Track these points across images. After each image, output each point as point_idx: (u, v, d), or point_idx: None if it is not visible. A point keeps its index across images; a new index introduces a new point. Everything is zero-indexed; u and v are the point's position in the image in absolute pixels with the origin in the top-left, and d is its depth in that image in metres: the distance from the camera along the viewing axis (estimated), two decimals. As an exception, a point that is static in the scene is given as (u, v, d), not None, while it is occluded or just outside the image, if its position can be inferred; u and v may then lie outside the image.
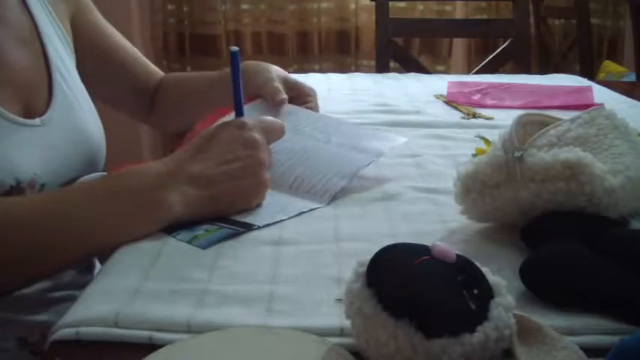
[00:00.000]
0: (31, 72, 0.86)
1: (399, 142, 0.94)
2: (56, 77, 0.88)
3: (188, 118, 1.14)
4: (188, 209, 0.71)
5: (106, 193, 0.70)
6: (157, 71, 1.16)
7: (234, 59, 0.78)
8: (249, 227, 0.73)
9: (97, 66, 1.05)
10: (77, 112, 0.90)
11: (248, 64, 1.06)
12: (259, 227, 0.73)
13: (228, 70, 1.07)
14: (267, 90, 0.99)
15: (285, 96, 0.98)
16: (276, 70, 1.04)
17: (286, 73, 1.07)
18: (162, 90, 1.14)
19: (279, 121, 0.82)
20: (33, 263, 0.67)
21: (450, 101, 1.35)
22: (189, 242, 0.69)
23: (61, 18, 0.94)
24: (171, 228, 0.71)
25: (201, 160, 0.72)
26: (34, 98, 0.85)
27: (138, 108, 1.16)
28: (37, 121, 0.83)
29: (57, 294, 0.86)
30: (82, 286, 0.80)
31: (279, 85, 1.00)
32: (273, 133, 0.80)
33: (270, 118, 0.82)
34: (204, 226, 0.72)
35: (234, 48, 0.79)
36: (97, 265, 0.93)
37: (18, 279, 0.69)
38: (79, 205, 0.69)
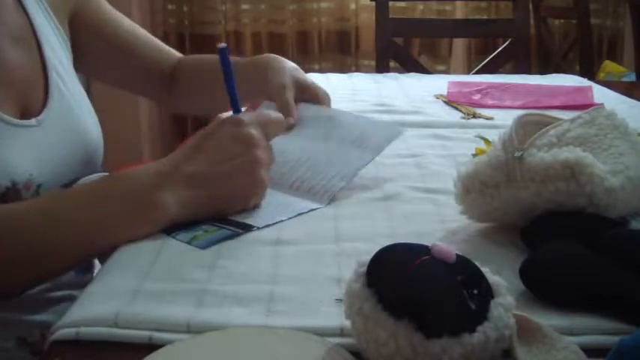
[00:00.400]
0: (27, 71, 0.85)
1: (398, 135, 0.91)
2: (52, 76, 0.88)
3: (203, 101, 1.12)
4: (184, 210, 0.70)
5: (102, 196, 0.69)
6: (173, 53, 1.14)
7: (223, 56, 0.77)
8: (248, 228, 0.72)
9: (107, 52, 1.04)
10: (74, 111, 0.90)
11: (260, 59, 1.02)
12: (258, 228, 0.73)
13: (244, 58, 1.05)
14: (277, 99, 0.94)
15: (293, 119, 0.93)
16: (290, 70, 0.99)
17: (300, 71, 1.01)
18: (179, 72, 1.12)
19: (279, 114, 0.81)
20: (32, 267, 0.67)
21: (450, 101, 1.35)
22: (188, 242, 0.69)
23: (58, 15, 0.94)
24: (171, 228, 0.71)
25: (197, 160, 0.72)
26: (31, 98, 0.85)
27: (154, 91, 1.15)
28: (32, 121, 0.83)
29: (56, 294, 0.86)
30: (81, 286, 0.80)
31: (290, 96, 0.94)
32: (273, 128, 0.78)
33: (269, 112, 0.80)
34: (204, 227, 0.72)
35: (222, 45, 0.77)
36: (97, 265, 0.93)
37: (18, 283, 0.69)
38: (76, 209, 0.68)
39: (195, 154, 0.72)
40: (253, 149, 0.73)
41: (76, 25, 0.98)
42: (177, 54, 1.15)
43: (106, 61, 1.05)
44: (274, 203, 0.78)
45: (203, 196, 0.71)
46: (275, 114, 0.80)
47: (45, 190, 0.82)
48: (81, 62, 0.99)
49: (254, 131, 0.74)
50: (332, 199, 0.81)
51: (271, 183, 0.78)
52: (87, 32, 0.99)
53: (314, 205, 0.80)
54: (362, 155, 0.87)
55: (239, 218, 0.74)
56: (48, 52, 0.89)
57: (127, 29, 1.07)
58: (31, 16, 0.88)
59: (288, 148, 0.87)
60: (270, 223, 0.74)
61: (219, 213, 0.74)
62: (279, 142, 0.82)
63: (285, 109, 0.92)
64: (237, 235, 0.71)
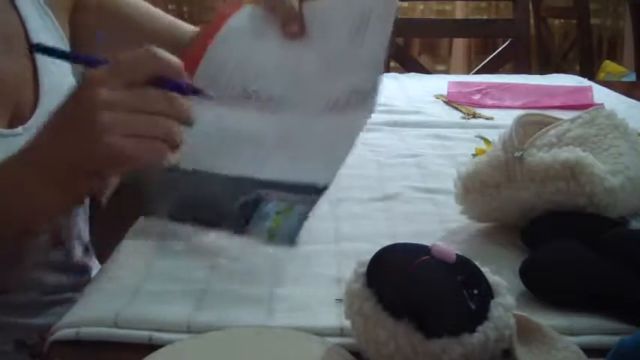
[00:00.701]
0: (16, 74, 0.81)
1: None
2: (44, 80, 0.83)
3: None
4: (61, 190, 0.63)
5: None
6: (186, 28, 1.04)
7: (43, 51, 0.68)
8: (317, 192, 0.60)
9: (115, 35, 0.99)
10: None
11: None
12: (326, 188, 0.61)
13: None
14: (277, 3, 0.77)
15: (297, 26, 0.76)
16: None
17: None
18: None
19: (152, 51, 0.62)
20: None
21: (450, 101, 1.35)
22: (269, 240, 0.60)
23: (58, 14, 0.89)
24: (238, 224, 0.61)
25: (51, 137, 0.63)
26: (20, 103, 0.80)
27: None
28: (19, 129, 0.78)
29: (54, 297, 0.85)
30: (78, 289, 0.79)
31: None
32: (145, 65, 0.61)
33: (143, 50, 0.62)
34: (265, 208, 0.61)
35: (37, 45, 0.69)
36: (95, 266, 0.92)
37: None
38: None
39: (50, 130, 0.64)
40: (95, 114, 0.59)
41: (78, 15, 0.94)
42: (193, 28, 1.04)
43: (115, 44, 0.99)
44: (320, 146, 0.66)
45: (68, 176, 0.63)
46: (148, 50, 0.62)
47: None
48: (85, 52, 0.95)
49: (100, 90, 0.59)
50: (332, 200, 0.79)
51: (301, 107, 0.68)
52: (88, 19, 0.95)
53: (362, 118, 0.66)
54: (378, 38, 0.71)
55: (295, 178, 0.63)
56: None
57: (129, 3, 0.98)
58: (23, 16, 0.85)
59: (300, 64, 0.73)
60: (333, 175, 0.61)
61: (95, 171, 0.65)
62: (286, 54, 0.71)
63: (289, 13, 0.77)
64: (312, 204, 0.60)
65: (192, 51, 0.75)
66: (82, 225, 0.90)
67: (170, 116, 0.61)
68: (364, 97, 0.67)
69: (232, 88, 0.74)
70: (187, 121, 0.62)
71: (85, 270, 0.91)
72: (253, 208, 0.62)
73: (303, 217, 0.59)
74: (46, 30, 0.87)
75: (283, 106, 0.71)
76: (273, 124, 0.71)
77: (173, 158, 0.61)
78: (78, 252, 0.88)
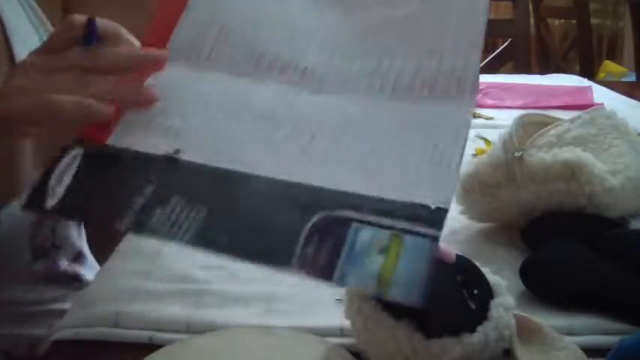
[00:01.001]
0: None
1: None
2: None
3: None
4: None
5: None
6: None
7: None
8: (438, 222, 0.42)
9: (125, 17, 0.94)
10: None
11: None
12: (441, 209, 0.43)
13: None
14: None
15: None
16: None
17: None
18: None
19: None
20: None
21: (450, 101, 1.35)
22: (383, 291, 0.39)
23: (45, 6, 0.87)
24: (331, 271, 0.40)
25: None
26: None
27: None
28: None
29: (39, 308, 0.83)
30: (66, 299, 0.78)
31: None
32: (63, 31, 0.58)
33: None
34: (355, 235, 0.42)
35: None
36: (91, 269, 0.91)
37: None
38: None
39: None
40: (8, 79, 0.58)
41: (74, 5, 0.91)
42: None
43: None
44: (403, 145, 0.49)
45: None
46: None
47: (6, 216, 0.73)
48: None
49: (27, 58, 0.59)
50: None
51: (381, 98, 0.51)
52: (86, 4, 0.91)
53: (461, 108, 0.50)
54: None
55: (379, 192, 0.44)
56: (22, 53, 0.77)
57: None
58: (3, 16, 0.82)
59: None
60: (448, 190, 0.45)
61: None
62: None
63: None
64: (434, 240, 0.41)
65: (163, 12, 0.62)
66: (73, 231, 0.87)
67: (89, 69, 0.56)
68: (458, 82, 0.51)
69: (242, 54, 0.57)
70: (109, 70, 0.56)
71: (74, 279, 0.88)
72: (337, 236, 0.42)
73: (426, 256, 0.40)
74: (32, 28, 0.83)
75: (329, 86, 0.53)
76: (322, 108, 0.53)
77: (105, 110, 0.54)
78: (64, 261, 0.86)
